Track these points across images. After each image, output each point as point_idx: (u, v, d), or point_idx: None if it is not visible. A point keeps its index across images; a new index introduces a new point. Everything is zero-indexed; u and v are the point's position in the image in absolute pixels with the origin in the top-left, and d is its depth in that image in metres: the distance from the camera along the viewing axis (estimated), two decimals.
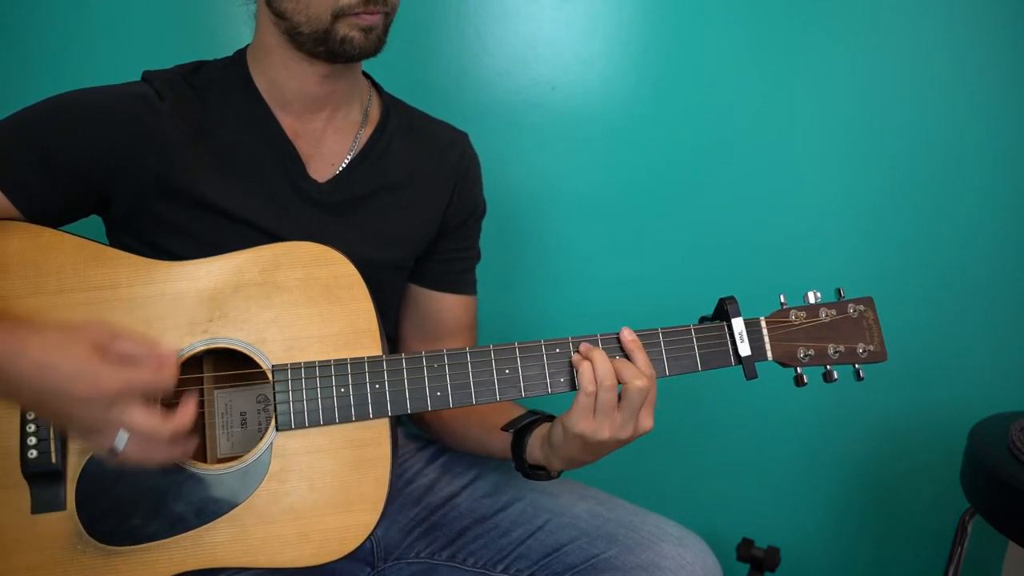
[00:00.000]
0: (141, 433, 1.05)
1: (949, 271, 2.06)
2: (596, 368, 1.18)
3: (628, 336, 1.22)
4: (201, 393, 1.27)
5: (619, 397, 1.19)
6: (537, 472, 1.32)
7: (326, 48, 1.24)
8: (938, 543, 2.08)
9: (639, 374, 1.18)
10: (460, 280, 1.54)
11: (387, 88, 1.48)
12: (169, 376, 1.07)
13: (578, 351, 1.22)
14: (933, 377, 2.11)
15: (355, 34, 1.23)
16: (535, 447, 1.29)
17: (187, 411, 1.08)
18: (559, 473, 1.33)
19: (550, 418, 1.32)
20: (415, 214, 1.43)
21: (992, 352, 2.10)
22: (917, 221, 2.03)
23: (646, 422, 1.21)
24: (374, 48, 1.26)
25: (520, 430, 1.31)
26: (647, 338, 1.25)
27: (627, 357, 1.22)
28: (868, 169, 2.01)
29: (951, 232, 2.04)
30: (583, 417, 1.19)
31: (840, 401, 2.11)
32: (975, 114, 1.98)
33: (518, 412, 1.35)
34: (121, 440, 1.05)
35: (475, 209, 1.53)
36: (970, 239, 2.04)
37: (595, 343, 1.23)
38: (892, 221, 2.03)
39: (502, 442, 1.35)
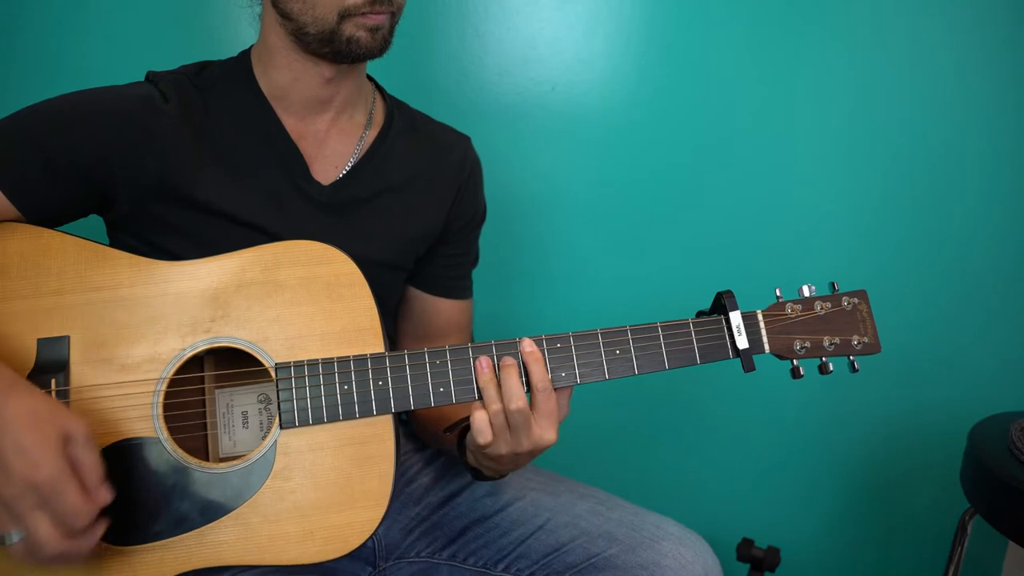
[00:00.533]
0: (34, 541, 1.01)
1: (949, 271, 2.06)
2: (484, 398, 1.18)
3: (526, 348, 1.20)
4: (202, 393, 1.27)
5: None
6: (478, 473, 1.32)
7: (332, 48, 1.24)
8: (938, 543, 2.08)
9: (516, 396, 1.17)
10: (457, 285, 1.54)
11: (387, 88, 1.48)
12: (93, 506, 1.03)
13: (470, 381, 1.21)
14: (933, 377, 2.11)
15: (361, 34, 1.23)
16: (469, 451, 1.30)
17: (84, 544, 1.05)
18: (499, 476, 1.33)
19: None
20: (417, 217, 1.43)
21: (992, 352, 2.10)
22: (917, 221, 2.04)
23: (546, 435, 1.19)
24: (380, 48, 1.26)
25: (463, 431, 1.31)
26: (646, 332, 1.25)
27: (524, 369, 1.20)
28: (867, 168, 2.01)
29: (951, 232, 2.04)
30: (479, 436, 1.19)
31: (840, 401, 2.11)
32: (975, 113, 1.99)
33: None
34: (12, 537, 1.02)
35: (476, 213, 1.53)
36: (970, 239, 2.04)
37: (490, 350, 1.22)
38: (892, 221, 2.04)
39: (450, 443, 1.36)
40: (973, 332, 2.09)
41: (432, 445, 1.54)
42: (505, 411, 1.17)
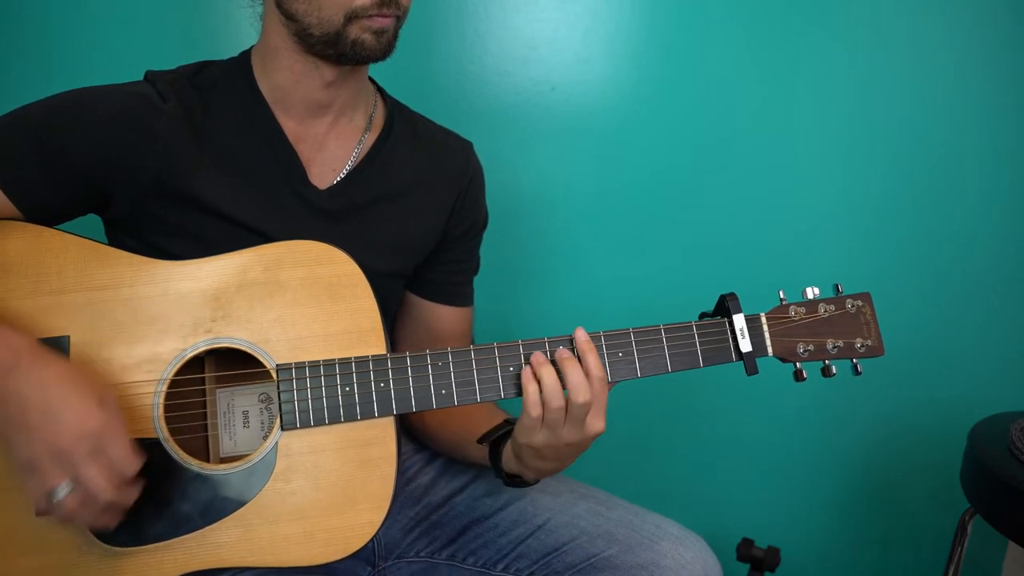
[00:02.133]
0: (87, 488, 1.05)
1: (949, 271, 2.06)
2: (543, 389, 1.18)
3: (581, 337, 1.21)
4: (203, 393, 1.27)
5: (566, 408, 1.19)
6: (515, 480, 1.32)
7: (336, 51, 1.23)
8: (938, 543, 2.08)
9: (582, 388, 1.18)
10: (457, 292, 1.53)
11: (387, 89, 1.47)
12: (129, 474, 1.08)
13: (528, 364, 1.20)
14: (933, 377, 2.11)
15: (367, 36, 1.22)
16: (510, 457, 1.29)
17: (132, 490, 1.09)
18: (536, 480, 1.33)
19: None
20: (416, 224, 1.42)
21: (992, 352, 2.10)
22: (917, 221, 2.04)
23: (596, 425, 1.20)
24: (384, 52, 1.25)
25: (496, 439, 1.31)
26: (649, 334, 1.25)
27: (579, 358, 1.21)
28: (868, 168, 2.01)
29: (951, 231, 2.04)
30: (529, 432, 1.20)
31: (840, 401, 2.11)
32: (975, 113, 1.99)
33: (496, 417, 1.35)
34: (61, 491, 1.04)
35: (477, 220, 1.52)
36: (970, 239, 2.04)
37: (543, 347, 1.22)
38: (892, 221, 2.04)
39: (479, 451, 1.35)
40: (973, 332, 2.09)
41: (446, 455, 1.52)
42: (568, 405, 1.18)
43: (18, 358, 1.07)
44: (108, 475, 1.05)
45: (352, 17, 1.21)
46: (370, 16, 1.21)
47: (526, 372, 1.19)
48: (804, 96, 1.97)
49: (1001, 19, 1.93)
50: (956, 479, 1.72)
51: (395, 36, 1.27)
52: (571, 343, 1.22)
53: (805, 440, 2.16)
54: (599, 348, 1.24)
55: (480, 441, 1.32)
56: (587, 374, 1.19)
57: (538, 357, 1.20)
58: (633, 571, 1.29)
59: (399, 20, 1.26)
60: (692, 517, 1.49)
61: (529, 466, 1.26)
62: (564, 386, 1.18)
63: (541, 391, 1.18)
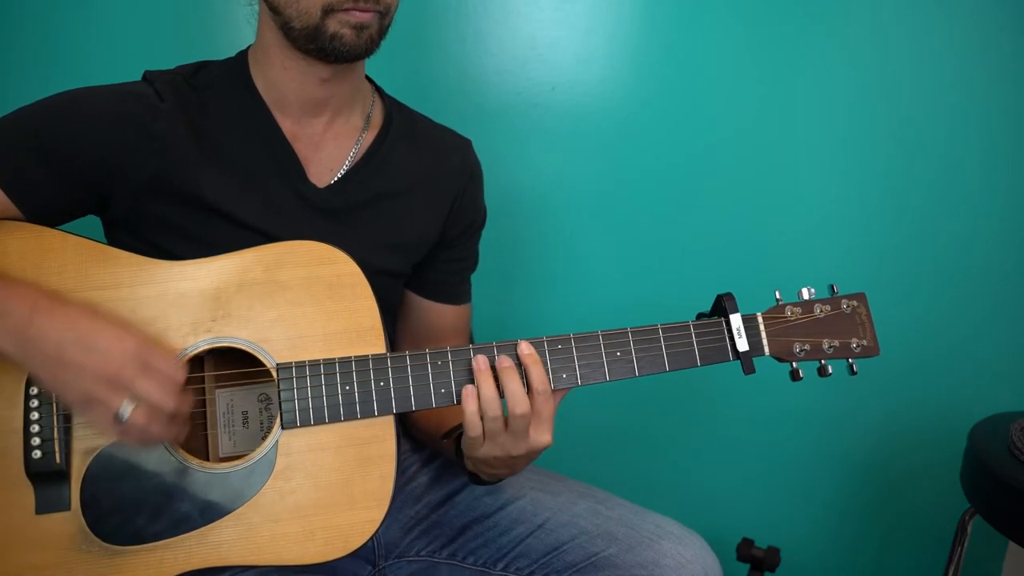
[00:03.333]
0: (149, 401, 1.08)
1: (949, 270, 2.06)
2: (481, 399, 1.18)
3: (524, 351, 1.21)
4: (203, 392, 1.27)
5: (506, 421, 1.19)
6: (476, 478, 1.33)
7: (316, 45, 1.22)
8: (938, 543, 2.08)
9: (520, 400, 1.17)
10: (456, 290, 1.54)
11: (387, 88, 1.47)
12: (179, 381, 1.12)
13: (470, 380, 1.21)
14: (933, 377, 2.11)
15: (346, 31, 1.21)
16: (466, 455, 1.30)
17: (189, 396, 1.13)
18: (496, 481, 1.34)
19: None
20: (415, 222, 1.42)
21: (992, 352, 2.10)
22: (917, 220, 2.04)
23: (542, 438, 1.20)
24: (366, 48, 1.24)
25: (460, 436, 1.31)
26: (646, 333, 1.25)
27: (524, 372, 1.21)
28: (867, 168, 2.01)
29: (951, 231, 2.04)
30: (472, 446, 1.21)
31: (840, 401, 2.11)
32: (974, 113, 1.99)
33: None
34: (126, 410, 1.07)
35: (476, 218, 1.52)
36: (970, 238, 2.04)
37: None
38: (892, 220, 2.04)
39: (447, 448, 1.37)
40: (973, 332, 2.09)
41: (430, 447, 1.53)
42: (506, 415, 1.18)
43: (35, 303, 1.09)
44: (163, 385, 1.09)
45: (329, 10, 1.19)
46: (347, 10, 1.20)
47: (466, 390, 1.19)
48: (803, 96, 1.97)
49: (1001, 19, 1.93)
50: (956, 479, 1.72)
51: (379, 33, 1.25)
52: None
53: (805, 440, 2.16)
54: (596, 347, 1.24)
55: (443, 437, 1.33)
56: (529, 388, 1.19)
57: (479, 364, 1.20)
58: (633, 570, 1.29)
59: (382, 16, 1.24)
60: (692, 517, 1.49)
61: (481, 471, 1.29)
62: (503, 396, 1.19)
63: (480, 404, 1.19)
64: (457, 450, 1.33)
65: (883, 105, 1.98)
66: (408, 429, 1.55)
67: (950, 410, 2.10)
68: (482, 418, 1.18)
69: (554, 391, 1.21)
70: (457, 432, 1.31)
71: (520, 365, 1.21)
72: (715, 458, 2.17)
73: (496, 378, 1.19)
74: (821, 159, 2.01)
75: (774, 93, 1.97)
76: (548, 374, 1.21)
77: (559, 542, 1.36)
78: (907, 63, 1.96)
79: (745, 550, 1.93)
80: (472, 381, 1.20)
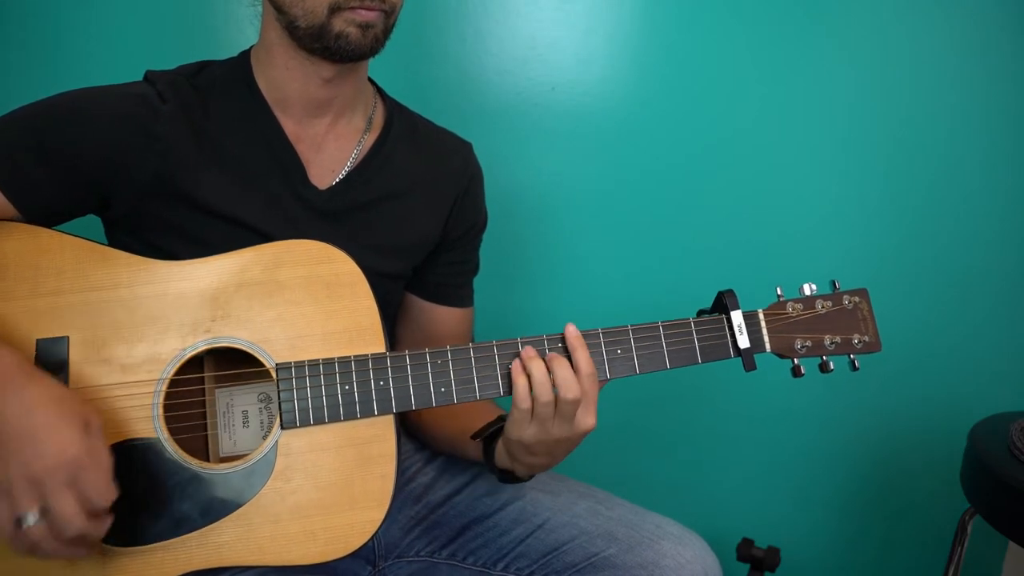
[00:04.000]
0: (58, 518, 1.02)
1: (949, 270, 2.06)
2: (533, 383, 1.18)
3: (572, 333, 1.21)
4: (202, 393, 1.27)
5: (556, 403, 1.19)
6: (508, 476, 1.32)
7: (322, 44, 1.22)
8: (938, 543, 2.08)
9: (571, 384, 1.18)
10: (457, 293, 1.54)
11: (387, 88, 1.47)
12: (111, 499, 1.06)
13: (520, 358, 1.21)
14: (933, 377, 2.11)
15: (352, 30, 1.21)
16: (502, 453, 1.30)
17: (101, 528, 1.07)
18: (529, 477, 1.33)
19: None
20: (415, 225, 1.42)
21: (992, 351, 2.10)
22: (917, 220, 2.04)
23: (587, 421, 1.20)
24: (371, 47, 1.24)
25: (490, 436, 1.32)
26: (647, 331, 1.26)
27: (569, 355, 1.21)
28: (867, 167, 2.01)
29: (951, 231, 2.04)
30: (518, 427, 1.20)
31: (840, 401, 2.11)
32: (974, 113, 1.99)
33: (492, 415, 1.35)
34: (31, 517, 1.02)
35: (476, 222, 1.52)
36: (970, 238, 2.04)
37: (541, 344, 1.23)
38: (892, 219, 2.04)
39: (475, 448, 1.36)
40: (973, 332, 2.09)
41: (445, 452, 1.52)
42: (557, 399, 1.18)
43: (5, 379, 1.05)
44: (79, 506, 1.03)
45: (335, 9, 1.19)
46: (353, 8, 1.20)
47: (516, 365, 1.20)
48: (803, 95, 1.97)
49: (1001, 19, 1.93)
50: (956, 479, 1.72)
51: (384, 32, 1.25)
52: (562, 339, 1.22)
53: (805, 440, 2.16)
54: (597, 345, 1.24)
55: (474, 437, 1.33)
56: (576, 370, 1.19)
57: (528, 352, 1.20)
58: (633, 570, 1.29)
59: (387, 16, 1.24)
60: (692, 517, 1.49)
61: (520, 461, 1.27)
62: (553, 383, 1.18)
63: (531, 385, 1.18)
64: (486, 450, 1.33)
65: (883, 105, 1.98)
66: (415, 431, 1.55)
67: (950, 410, 2.10)
68: (533, 401, 1.18)
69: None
70: (489, 431, 1.31)
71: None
72: (715, 458, 2.18)
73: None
74: (821, 159, 2.01)
75: (774, 93, 1.97)
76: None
77: (559, 542, 1.36)
78: (907, 63, 1.96)
79: (745, 550, 1.93)
80: (473, 382, 1.21)
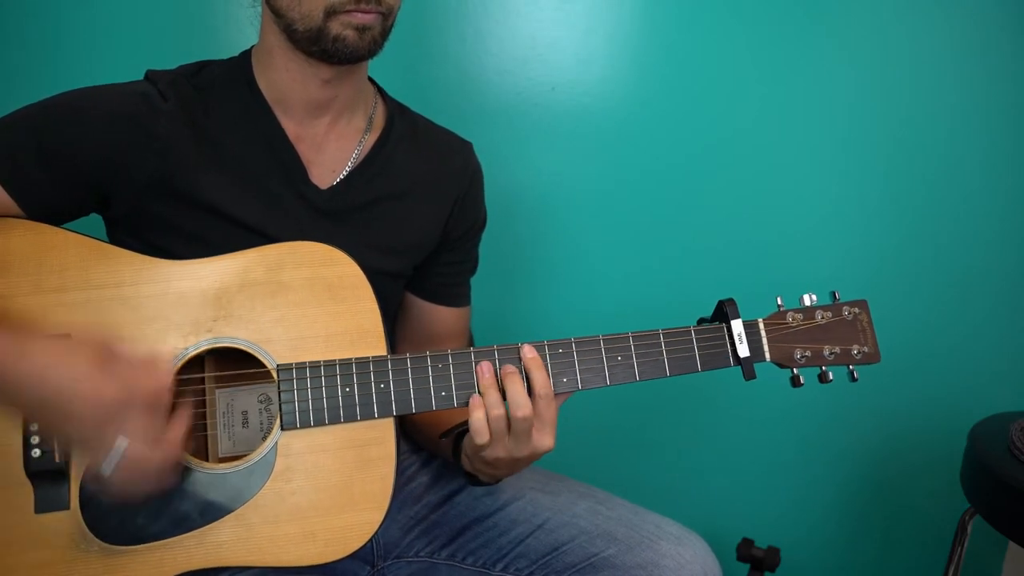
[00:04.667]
0: (140, 436, 1.06)
1: (949, 271, 2.06)
2: (487, 406, 1.19)
3: (527, 354, 1.22)
4: (202, 392, 1.27)
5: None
6: (474, 479, 1.33)
7: (320, 47, 1.22)
8: (938, 543, 2.08)
9: (522, 404, 1.18)
10: (455, 293, 1.54)
11: (387, 88, 1.47)
12: (166, 393, 1.08)
13: (470, 383, 1.22)
14: (932, 377, 2.11)
15: (348, 33, 1.21)
16: (466, 457, 1.31)
17: (183, 417, 1.10)
18: (495, 481, 1.34)
19: None
20: (416, 224, 1.42)
21: (992, 352, 2.10)
22: (917, 221, 2.04)
23: (543, 442, 1.21)
24: (369, 49, 1.24)
25: (459, 436, 1.32)
26: (647, 338, 1.26)
27: (526, 375, 1.21)
28: (867, 168, 2.01)
29: (950, 232, 2.04)
30: (478, 447, 1.21)
31: (840, 401, 2.11)
32: (974, 115, 1.99)
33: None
34: (120, 448, 1.05)
35: (476, 221, 1.52)
36: (969, 239, 2.04)
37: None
38: (892, 221, 2.04)
39: (446, 448, 1.37)
40: (973, 332, 2.09)
41: (425, 449, 1.53)
42: (509, 417, 1.18)
43: (5, 356, 1.05)
44: (143, 440, 1.06)
45: (331, 12, 1.19)
46: (349, 11, 1.20)
47: (474, 399, 1.20)
48: (804, 97, 1.97)
49: (1001, 19, 1.93)
50: (956, 479, 1.72)
51: (382, 34, 1.25)
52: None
53: (805, 440, 2.16)
54: (597, 351, 1.24)
55: (442, 436, 1.33)
56: (531, 391, 1.20)
57: (484, 371, 1.21)
58: (633, 571, 1.29)
59: (384, 18, 1.24)
60: (692, 517, 1.49)
61: (481, 471, 1.29)
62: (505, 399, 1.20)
63: (487, 411, 1.19)
64: (454, 449, 1.33)
65: (883, 105, 1.98)
66: (410, 432, 1.55)
67: (950, 410, 2.10)
68: (488, 421, 1.19)
69: (556, 395, 1.22)
70: (456, 431, 1.31)
71: (522, 369, 1.22)
72: (715, 458, 2.18)
73: (499, 382, 1.20)
74: (821, 159, 2.01)
75: (774, 93, 1.97)
76: (549, 378, 1.22)
77: (558, 542, 1.36)
78: (907, 63, 1.96)
79: (745, 550, 1.93)
80: (474, 385, 1.21)
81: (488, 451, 1.21)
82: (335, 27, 1.20)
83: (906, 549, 2.24)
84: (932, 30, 1.95)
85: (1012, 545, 2.20)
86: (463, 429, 1.29)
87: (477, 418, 1.19)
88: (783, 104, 1.98)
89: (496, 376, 1.21)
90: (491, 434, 1.19)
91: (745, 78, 1.96)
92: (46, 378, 1.04)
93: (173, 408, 1.11)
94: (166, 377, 1.09)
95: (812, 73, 1.97)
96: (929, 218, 2.04)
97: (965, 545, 1.83)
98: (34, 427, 1.14)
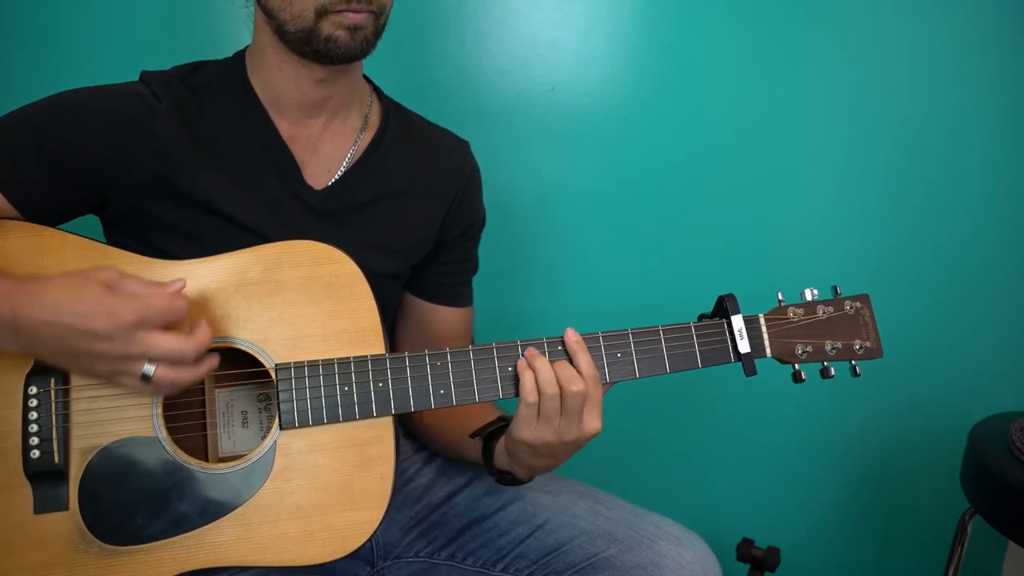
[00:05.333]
0: (167, 355, 1.07)
1: (949, 270, 2.06)
2: (538, 378, 1.18)
3: (572, 337, 1.22)
4: (202, 392, 1.27)
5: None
6: (506, 477, 1.32)
7: (311, 48, 1.22)
8: (938, 543, 2.08)
9: (575, 378, 1.18)
10: (456, 293, 1.54)
11: (386, 88, 1.47)
12: (182, 303, 1.09)
13: (523, 357, 1.21)
14: (933, 377, 2.11)
15: (340, 33, 1.20)
16: (502, 453, 1.29)
17: (203, 329, 1.10)
18: (529, 478, 1.33)
19: None
20: (412, 224, 1.42)
21: (992, 352, 2.10)
22: (917, 220, 2.04)
23: (592, 423, 1.20)
24: (361, 49, 1.23)
25: (489, 435, 1.32)
26: (647, 335, 1.26)
27: (570, 359, 1.21)
28: (867, 168, 2.01)
29: (951, 231, 2.04)
30: (525, 425, 1.19)
31: (840, 401, 2.11)
32: (974, 114, 1.99)
33: (492, 415, 1.35)
34: (149, 371, 1.07)
35: (474, 221, 1.52)
36: (969, 238, 2.04)
37: (541, 346, 1.23)
38: (892, 220, 2.04)
39: (474, 449, 1.35)
40: (973, 332, 2.09)
41: (444, 454, 1.52)
42: (563, 394, 1.18)
43: (11, 299, 1.07)
44: (170, 338, 1.07)
45: (322, 12, 1.19)
46: (340, 11, 1.19)
47: (521, 363, 1.20)
48: (803, 96, 1.97)
49: (1001, 19, 1.93)
50: (956, 479, 1.72)
51: (375, 33, 1.24)
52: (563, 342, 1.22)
53: (805, 440, 2.16)
54: (597, 348, 1.24)
55: (473, 436, 1.32)
56: (579, 373, 1.19)
57: (532, 351, 1.21)
58: (633, 571, 1.29)
59: (376, 17, 1.23)
60: (692, 517, 1.49)
61: (522, 463, 1.26)
62: (558, 380, 1.18)
63: (537, 380, 1.18)
64: (484, 449, 1.32)
65: (883, 105, 1.98)
66: (414, 432, 1.55)
67: (950, 410, 2.10)
68: (539, 395, 1.18)
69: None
70: (488, 430, 1.31)
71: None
72: (715, 458, 2.17)
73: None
74: (821, 159, 2.01)
75: (774, 93, 1.97)
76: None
77: (559, 543, 1.36)
78: (907, 63, 1.96)
79: (745, 550, 1.93)
80: (472, 383, 1.21)
81: (536, 430, 1.19)
82: (326, 27, 1.20)
83: (906, 549, 2.24)
84: (932, 30, 1.95)
85: (1012, 545, 2.20)
86: (495, 428, 1.29)
87: (528, 379, 1.18)
88: (783, 104, 1.98)
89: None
90: (540, 410, 1.18)
91: (745, 78, 1.96)
92: (61, 321, 1.05)
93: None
94: (182, 299, 1.10)
95: (812, 73, 1.97)
96: (929, 218, 2.04)
97: (965, 545, 1.83)
98: (32, 389, 1.15)
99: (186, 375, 1.10)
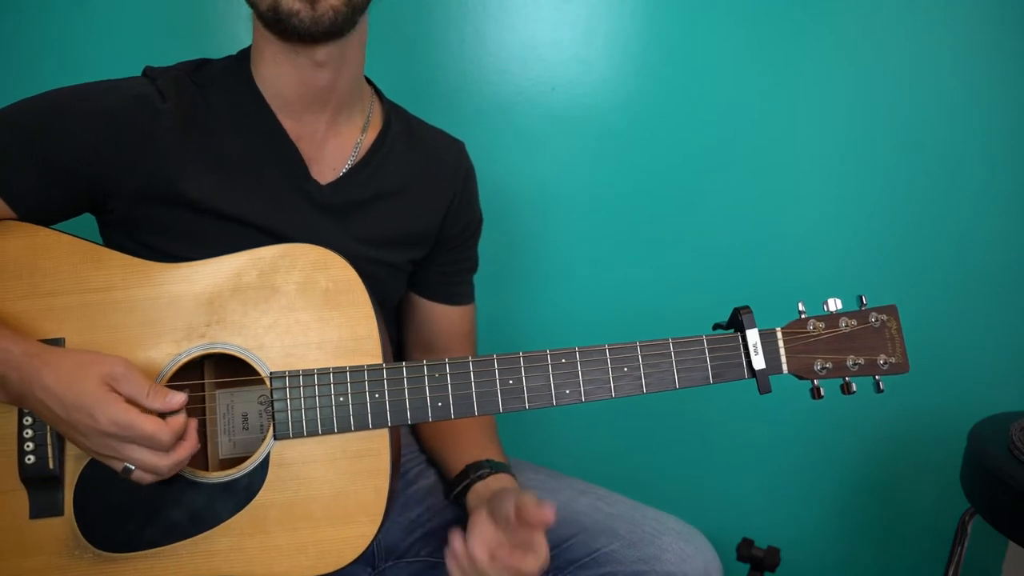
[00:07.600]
0: (141, 467, 1.08)
1: (949, 271, 2.06)
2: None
3: (538, 515, 1.14)
4: (201, 392, 1.27)
5: None
6: None
7: (281, 27, 1.18)
8: (938, 543, 2.08)
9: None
10: (457, 291, 1.54)
11: (386, 88, 1.47)
12: (167, 436, 1.08)
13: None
14: (933, 377, 2.10)
15: (298, 5, 1.16)
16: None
17: (185, 446, 1.11)
18: None
19: (500, 468, 1.36)
20: (415, 219, 1.43)
21: (992, 352, 2.10)
22: (918, 221, 2.03)
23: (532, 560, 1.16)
24: (330, 21, 1.18)
25: (459, 493, 1.36)
26: (656, 348, 1.22)
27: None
28: (866, 170, 2.01)
29: (951, 232, 2.04)
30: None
31: (840, 401, 2.08)
32: (976, 114, 1.98)
33: (485, 448, 1.38)
34: (128, 467, 1.08)
35: (472, 220, 1.53)
36: (970, 239, 2.04)
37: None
38: (892, 220, 2.03)
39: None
40: (973, 332, 2.09)
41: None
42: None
43: (21, 373, 1.09)
44: (150, 451, 1.08)
45: None
46: None
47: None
48: (805, 96, 1.97)
49: (1001, 19, 1.93)
50: (956, 479, 1.72)
51: (347, 4, 1.19)
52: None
53: (805, 440, 2.15)
54: (603, 363, 1.21)
55: (449, 499, 1.38)
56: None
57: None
58: (635, 565, 1.30)
59: None
60: (692, 517, 1.48)
61: None
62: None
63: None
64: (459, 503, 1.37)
65: (883, 105, 1.97)
66: (415, 433, 1.56)
67: (950, 410, 2.10)
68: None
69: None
70: (459, 487, 1.36)
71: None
72: (715, 458, 2.17)
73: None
74: (822, 159, 2.00)
75: (777, 93, 1.97)
76: (551, 391, 1.20)
77: (560, 539, 1.35)
78: (908, 62, 1.96)
79: (745, 550, 1.93)
80: (471, 396, 1.21)
81: None
82: (286, 2, 1.17)
83: (906, 549, 2.23)
84: (932, 30, 1.94)
85: (1012, 545, 2.19)
86: (464, 485, 1.34)
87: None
88: (786, 103, 1.97)
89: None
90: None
91: (746, 78, 1.96)
92: (49, 399, 1.08)
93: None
94: (165, 429, 1.09)
95: (815, 73, 1.96)
96: (929, 218, 2.03)
97: (965, 545, 1.83)
98: (27, 420, 1.16)
99: (165, 468, 1.10)
